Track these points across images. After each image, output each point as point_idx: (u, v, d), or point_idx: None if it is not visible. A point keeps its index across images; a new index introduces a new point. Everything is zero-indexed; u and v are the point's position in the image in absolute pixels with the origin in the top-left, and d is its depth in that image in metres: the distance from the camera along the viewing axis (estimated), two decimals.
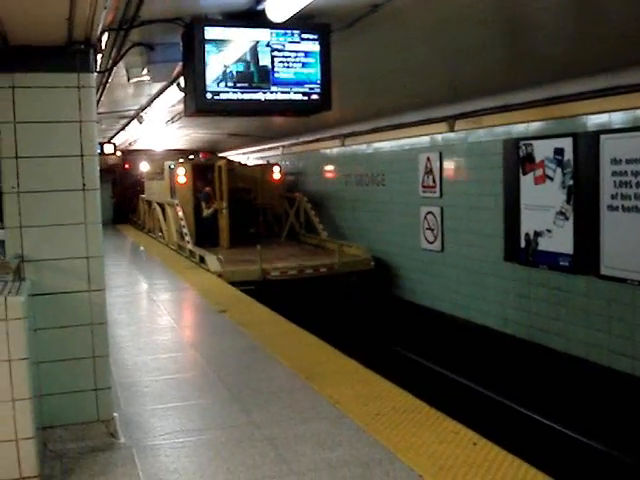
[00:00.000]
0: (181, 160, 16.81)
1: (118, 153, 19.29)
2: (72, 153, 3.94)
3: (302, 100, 4.83)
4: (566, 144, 7.68)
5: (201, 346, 6.43)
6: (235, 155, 21.69)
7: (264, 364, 5.68)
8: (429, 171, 10.43)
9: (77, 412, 4.08)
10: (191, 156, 20.66)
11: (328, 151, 14.41)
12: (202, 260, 11.70)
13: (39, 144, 3.89)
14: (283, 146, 16.86)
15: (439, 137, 10.23)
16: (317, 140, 14.59)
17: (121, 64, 6.29)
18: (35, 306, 3.80)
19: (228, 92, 4.63)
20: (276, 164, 16.13)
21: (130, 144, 20.75)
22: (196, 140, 19.71)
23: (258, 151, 19.12)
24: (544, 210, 8.05)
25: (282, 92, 4.77)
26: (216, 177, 14.30)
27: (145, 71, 5.73)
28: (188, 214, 14.21)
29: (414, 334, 10.54)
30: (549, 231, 8.01)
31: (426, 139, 10.57)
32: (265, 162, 16.87)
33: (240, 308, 8.06)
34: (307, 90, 4.84)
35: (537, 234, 8.20)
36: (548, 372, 8.04)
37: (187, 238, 13.27)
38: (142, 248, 15.97)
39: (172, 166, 15.26)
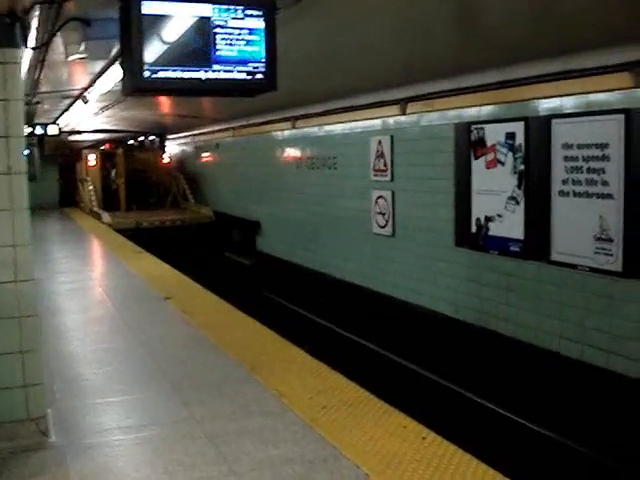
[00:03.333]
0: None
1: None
2: None
3: (245, 79, 4.58)
4: (517, 128, 7.59)
5: (144, 335, 6.20)
6: (185, 137, 21.37)
7: (208, 355, 5.49)
8: (380, 155, 10.28)
9: (5, 410, 3.84)
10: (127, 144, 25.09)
11: (279, 133, 14.16)
12: (100, 217, 17.70)
13: None
14: (233, 128, 16.56)
15: (391, 120, 10.08)
16: (268, 122, 14.31)
17: (59, 40, 6.00)
18: None
19: (167, 70, 4.36)
20: (164, 152, 22.67)
21: (77, 125, 20.21)
22: (145, 121, 19.27)
23: (209, 133, 18.75)
24: (495, 195, 7.96)
25: (224, 71, 4.51)
26: (117, 161, 20.98)
27: (82, 48, 5.45)
28: (97, 188, 20.36)
29: (366, 321, 10.46)
30: (500, 216, 7.93)
31: (378, 122, 10.40)
32: (159, 150, 23.24)
33: (186, 295, 7.85)
34: (251, 69, 4.59)
35: (488, 219, 8.12)
36: (495, 357, 8.00)
37: (94, 204, 19.44)
38: (86, 230, 15.78)
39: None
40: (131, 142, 25.28)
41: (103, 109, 14.32)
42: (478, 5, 6.34)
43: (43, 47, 5.83)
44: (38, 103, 12.05)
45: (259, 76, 4.62)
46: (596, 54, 6.46)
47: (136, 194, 20.37)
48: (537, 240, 7.39)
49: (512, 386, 7.55)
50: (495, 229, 8.02)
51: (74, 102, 12.13)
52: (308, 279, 12.74)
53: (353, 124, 11.11)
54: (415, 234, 9.63)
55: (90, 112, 14.67)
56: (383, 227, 10.35)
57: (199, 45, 4.46)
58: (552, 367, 7.29)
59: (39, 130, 15.07)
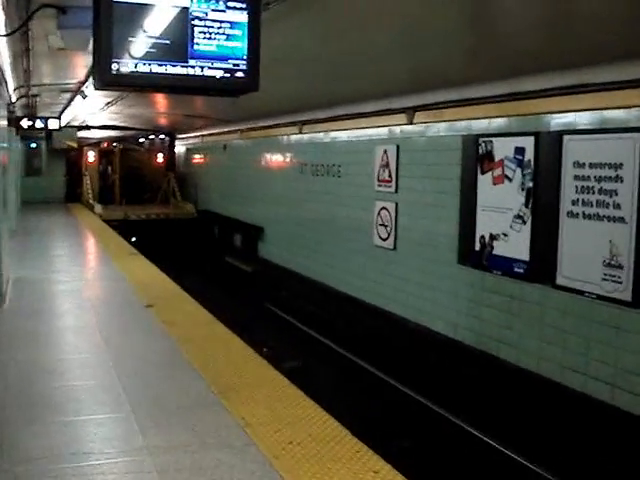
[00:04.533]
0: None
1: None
2: None
3: (224, 77, 4.16)
4: (527, 143, 7.18)
5: (116, 347, 5.82)
6: (194, 137, 21.07)
7: (177, 373, 5.10)
8: (385, 164, 9.88)
9: None
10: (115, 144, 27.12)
11: (285, 137, 13.79)
12: (93, 208, 19.74)
13: None
14: (241, 130, 16.21)
15: (397, 129, 9.67)
16: (275, 126, 13.96)
17: (39, 29, 5.65)
18: None
19: (137, 64, 3.97)
20: (160, 151, 24.40)
21: (84, 121, 19.89)
22: (153, 120, 18.96)
23: (217, 134, 18.40)
24: (501, 212, 7.55)
25: (201, 67, 4.12)
26: (113, 159, 23.39)
27: (59, 37, 5.08)
28: (94, 182, 22.68)
29: (362, 337, 10.06)
30: (505, 235, 7.51)
31: (384, 131, 10.00)
32: (152, 150, 25.70)
33: (169, 303, 7.48)
34: (231, 66, 4.18)
35: (493, 237, 7.70)
36: (494, 384, 7.57)
37: (90, 196, 21.71)
38: (85, 228, 15.56)
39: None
40: (130, 141, 27.15)
41: (108, 105, 13.98)
42: (490, 10, 5.92)
43: (15, 33, 5.49)
44: (36, 96, 11.73)
45: (239, 74, 4.21)
46: (614, 67, 6.07)
47: (130, 189, 22.53)
48: (543, 262, 6.98)
49: (510, 418, 7.12)
50: (500, 248, 7.61)
51: (74, 97, 11.77)
52: (307, 289, 12.35)
53: (359, 132, 10.73)
54: (417, 249, 9.22)
55: (93, 108, 14.34)
56: (385, 240, 9.94)
57: (175, 38, 4.07)
58: (553, 398, 6.86)
59: (39, 124, 14.70)
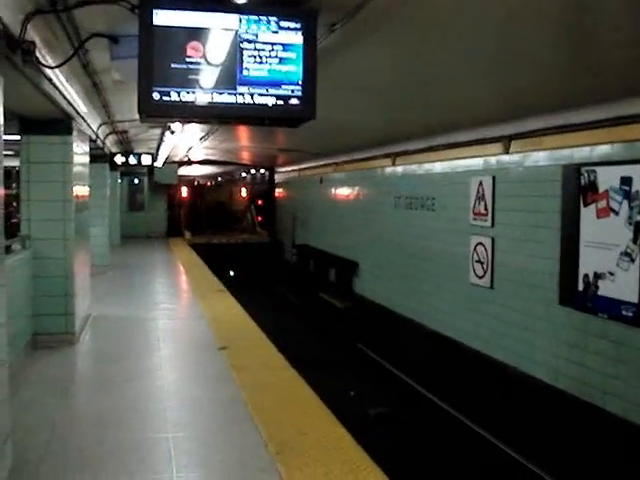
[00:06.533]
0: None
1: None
2: None
3: (277, 105, 3.74)
4: (635, 173, 6.47)
5: (177, 396, 5.46)
6: (290, 170, 20.97)
7: (235, 428, 4.66)
8: (481, 197, 9.26)
9: None
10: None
11: (379, 170, 13.33)
12: (183, 235, 23.60)
13: None
14: (336, 163, 15.89)
15: (493, 159, 9.06)
16: (368, 158, 13.55)
17: (98, 62, 5.45)
18: None
19: (180, 92, 3.61)
20: (244, 186, 28.07)
21: (186, 156, 20.05)
22: (250, 154, 18.91)
23: (314, 167, 18.17)
24: (607, 249, 6.82)
25: (251, 94, 3.70)
26: (203, 193, 26.98)
27: (116, 68, 4.82)
28: (186, 214, 25.98)
29: (455, 381, 9.40)
30: (611, 274, 6.78)
31: (479, 161, 9.40)
32: (237, 185, 29.38)
33: (243, 345, 7.10)
34: (284, 93, 3.76)
35: (597, 276, 6.97)
36: (603, 440, 6.79)
37: (182, 226, 24.67)
38: (180, 263, 15.59)
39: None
40: (224, 177, 31.07)
41: (201, 140, 13.92)
42: (591, 22, 5.26)
43: (78, 68, 5.30)
44: (125, 132, 11.71)
45: (294, 101, 3.78)
46: None
47: (215, 220, 26.36)
48: None
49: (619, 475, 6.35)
50: (605, 289, 6.87)
51: (164, 132, 11.70)
52: (401, 327, 11.77)
53: (453, 163, 10.16)
54: (515, 288, 8.52)
55: (188, 143, 14.31)
56: (481, 277, 9.29)
57: (222, 63, 3.69)
58: None
59: (132, 160, 14.81)
